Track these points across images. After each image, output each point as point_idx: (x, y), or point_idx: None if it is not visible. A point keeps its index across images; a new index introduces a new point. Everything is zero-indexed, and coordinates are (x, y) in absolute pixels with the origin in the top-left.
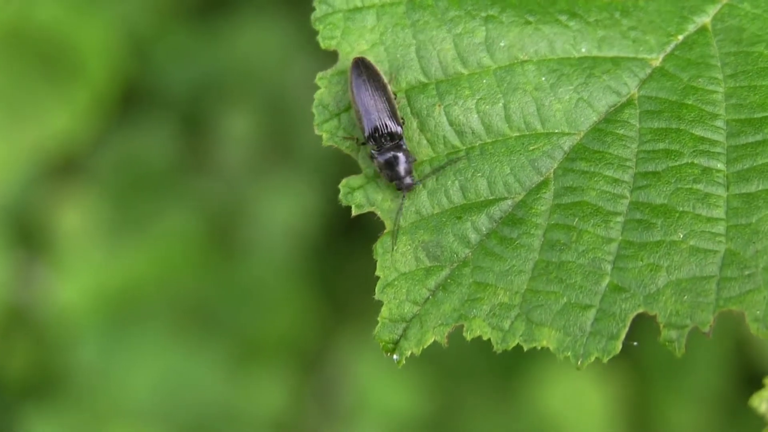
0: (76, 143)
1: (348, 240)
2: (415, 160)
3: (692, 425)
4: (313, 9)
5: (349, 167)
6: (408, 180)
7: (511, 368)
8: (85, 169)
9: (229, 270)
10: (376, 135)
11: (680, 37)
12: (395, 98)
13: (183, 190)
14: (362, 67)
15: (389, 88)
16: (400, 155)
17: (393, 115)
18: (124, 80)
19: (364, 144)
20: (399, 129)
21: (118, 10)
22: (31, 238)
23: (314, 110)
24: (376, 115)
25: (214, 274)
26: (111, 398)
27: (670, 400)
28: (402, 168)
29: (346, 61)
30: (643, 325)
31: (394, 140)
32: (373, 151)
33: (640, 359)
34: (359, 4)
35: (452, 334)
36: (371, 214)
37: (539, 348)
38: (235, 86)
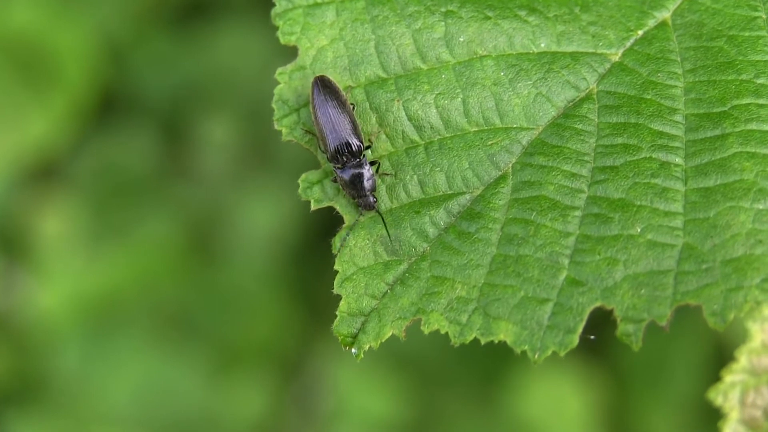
0: (55, 149)
1: (327, 246)
2: (374, 180)
3: (671, 431)
4: (273, 5)
5: (326, 175)
6: (370, 199)
7: (491, 374)
8: (65, 175)
9: (208, 276)
10: (339, 153)
11: (640, 32)
12: (355, 110)
13: (163, 196)
14: (322, 86)
15: (349, 104)
16: (364, 172)
17: (355, 132)
18: (103, 86)
19: (328, 162)
20: (362, 145)
21: (97, 16)
22: (10, 244)
23: (274, 105)
24: (338, 133)
25: (193, 281)
26: (91, 404)
27: (649, 405)
28: (365, 185)
29: (305, 57)
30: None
31: (356, 158)
32: (336, 169)
33: (618, 365)
34: (319, 0)
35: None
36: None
37: (496, 341)
38: (214, 92)
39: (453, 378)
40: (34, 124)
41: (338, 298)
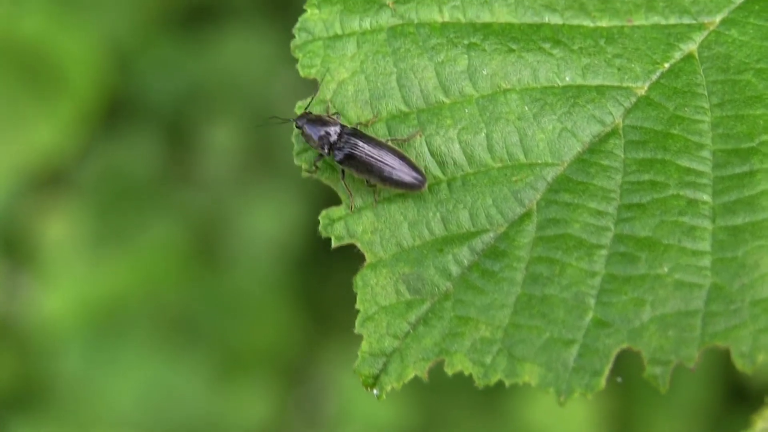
0: (61, 156)
1: (332, 251)
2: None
3: None
4: (293, 36)
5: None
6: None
7: None
8: (69, 180)
9: (212, 281)
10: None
11: (666, 65)
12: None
13: (167, 201)
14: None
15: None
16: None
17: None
18: (109, 92)
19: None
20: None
21: (103, 22)
22: (15, 249)
23: (293, 139)
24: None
25: (197, 286)
26: (95, 409)
27: (655, 412)
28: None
29: (326, 90)
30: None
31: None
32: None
33: (624, 371)
34: (339, 32)
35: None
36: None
37: (521, 383)
38: (219, 97)
39: (457, 384)
40: (39, 132)
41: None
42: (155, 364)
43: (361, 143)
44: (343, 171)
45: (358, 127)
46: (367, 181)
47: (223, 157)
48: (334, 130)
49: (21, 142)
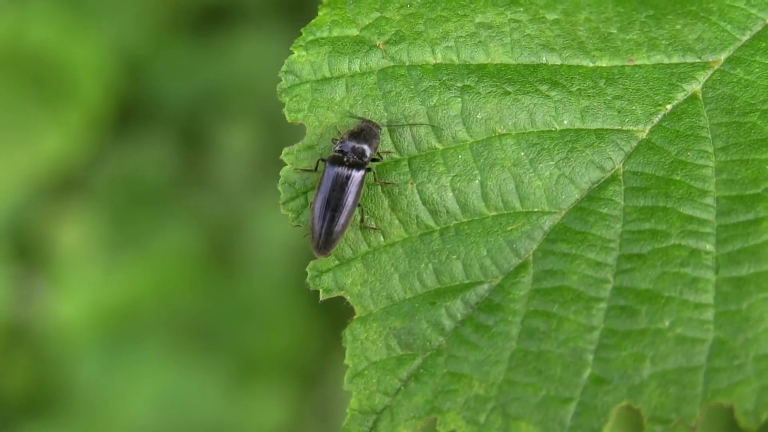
0: (70, 163)
1: None
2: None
3: None
4: (279, 80)
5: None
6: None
7: None
8: (83, 185)
9: (227, 286)
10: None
11: (668, 107)
12: None
13: (181, 205)
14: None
15: None
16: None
17: None
18: (120, 98)
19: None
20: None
21: (114, 27)
22: (30, 254)
23: (280, 188)
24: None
25: (212, 291)
26: (110, 415)
27: None
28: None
29: (312, 136)
30: None
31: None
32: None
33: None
34: (327, 74)
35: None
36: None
37: None
38: (232, 101)
39: None
40: (49, 139)
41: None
42: (170, 370)
43: (349, 185)
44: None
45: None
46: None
47: (237, 160)
48: (367, 151)
49: (31, 150)
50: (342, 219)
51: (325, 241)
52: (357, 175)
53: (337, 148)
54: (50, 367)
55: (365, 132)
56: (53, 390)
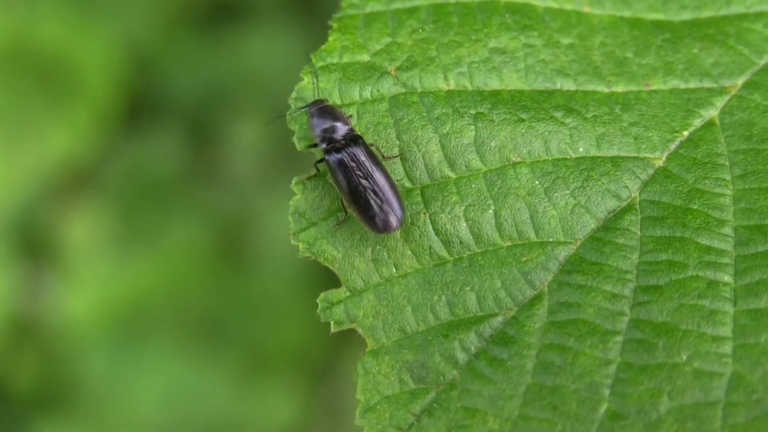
0: (80, 160)
1: None
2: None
3: None
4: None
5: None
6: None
7: None
8: (93, 181)
9: (237, 281)
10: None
11: (685, 133)
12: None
13: (191, 200)
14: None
15: None
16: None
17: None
18: (129, 93)
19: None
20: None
21: (122, 23)
22: (39, 250)
23: (290, 218)
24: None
25: (222, 286)
26: (118, 410)
27: None
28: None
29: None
30: None
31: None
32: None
33: None
34: (338, 102)
35: None
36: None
37: None
38: (242, 95)
39: None
40: (58, 137)
41: None
42: (180, 365)
43: (361, 157)
44: (330, 170)
45: (373, 148)
46: (340, 198)
47: (247, 155)
48: (341, 128)
49: (40, 147)
50: (383, 179)
51: (390, 206)
52: (358, 148)
53: (319, 140)
54: (59, 362)
55: (326, 112)
56: (62, 385)
